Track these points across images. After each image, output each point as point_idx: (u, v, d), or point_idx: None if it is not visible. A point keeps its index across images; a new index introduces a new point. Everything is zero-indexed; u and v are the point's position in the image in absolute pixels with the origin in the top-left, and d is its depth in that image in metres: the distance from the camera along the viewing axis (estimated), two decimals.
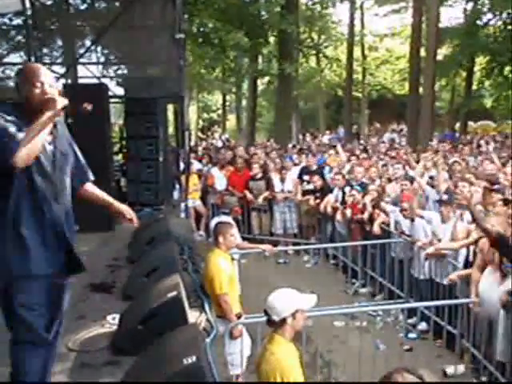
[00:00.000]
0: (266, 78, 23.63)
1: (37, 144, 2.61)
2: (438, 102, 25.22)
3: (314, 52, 25.51)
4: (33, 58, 9.01)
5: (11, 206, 2.71)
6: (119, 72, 12.25)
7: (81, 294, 4.90)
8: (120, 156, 11.03)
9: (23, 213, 2.74)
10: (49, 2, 10.49)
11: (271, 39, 19.53)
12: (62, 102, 2.68)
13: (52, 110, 2.64)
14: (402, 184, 7.91)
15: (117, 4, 10.91)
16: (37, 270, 2.77)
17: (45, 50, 10.79)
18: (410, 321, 6.39)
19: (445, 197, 6.58)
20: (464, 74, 23.58)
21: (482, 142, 16.59)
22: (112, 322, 4.14)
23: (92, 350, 3.74)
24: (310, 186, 9.75)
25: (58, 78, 9.45)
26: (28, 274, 2.75)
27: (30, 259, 2.75)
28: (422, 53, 18.10)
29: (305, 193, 9.80)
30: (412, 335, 6.13)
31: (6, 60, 12.20)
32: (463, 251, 5.98)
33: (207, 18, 16.27)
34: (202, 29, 17.34)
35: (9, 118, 2.66)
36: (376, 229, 7.56)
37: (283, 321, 2.86)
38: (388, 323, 6.62)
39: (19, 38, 11.70)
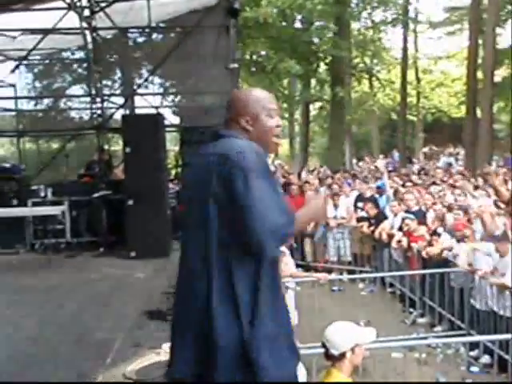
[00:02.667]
0: (318, 104, 23.68)
1: None
2: (496, 125, 24.48)
3: (366, 76, 25.40)
4: (93, 90, 9.36)
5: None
6: (175, 101, 12.59)
7: (137, 321, 4.96)
8: (175, 183, 11.24)
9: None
10: (109, 36, 10.93)
11: (323, 65, 19.62)
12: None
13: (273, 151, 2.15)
14: (454, 213, 7.70)
15: (172, 35, 11.25)
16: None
17: (105, 82, 11.22)
18: (472, 353, 6.13)
19: (497, 232, 6.34)
20: None
21: None
22: (167, 350, 4.15)
23: (148, 379, 3.75)
24: (365, 213, 9.62)
25: (116, 109, 9.82)
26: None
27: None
28: (479, 75, 17.72)
29: (359, 220, 9.67)
30: (474, 369, 5.88)
31: (68, 92, 12.79)
32: None
33: (260, 47, 16.52)
34: (255, 57, 17.61)
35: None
36: (436, 251, 7.32)
37: (342, 355, 2.78)
38: (448, 356, 6.37)
39: (80, 70, 12.26)
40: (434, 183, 11.67)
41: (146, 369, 3.90)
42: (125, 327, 4.77)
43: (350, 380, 2.82)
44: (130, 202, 7.67)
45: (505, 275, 6.00)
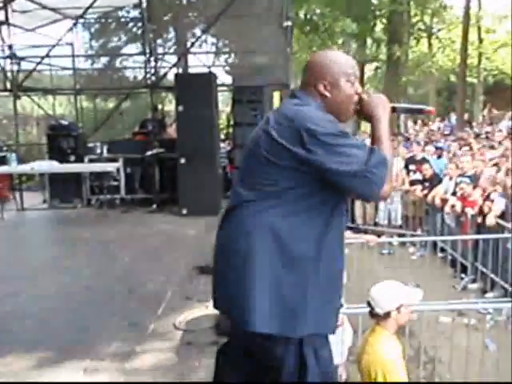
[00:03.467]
0: (374, 64, 23.04)
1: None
2: None
3: (425, 35, 24.44)
4: (147, 49, 9.43)
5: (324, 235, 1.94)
6: (227, 60, 12.53)
7: (188, 275, 5.10)
8: (226, 143, 11.31)
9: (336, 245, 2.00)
10: None
11: (380, 23, 19.02)
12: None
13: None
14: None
15: None
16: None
17: (159, 41, 11.28)
18: None
19: None
20: None
21: None
22: None
23: (197, 329, 3.88)
24: (417, 176, 9.42)
25: (170, 68, 9.88)
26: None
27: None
28: None
29: (411, 183, 9.48)
30: None
31: (123, 51, 12.94)
32: None
33: (314, 5, 16.13)
34: (308, 16, 17.22)
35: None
36: (491, 221, 7.12)
37: (387, 314, 2.78)
38: (499, 322, 6.26)
39: (135, 29, 12.35)
40: (492, 147, 11.27)
41: (195, 320, 4.03)
42: (175, 281, 4.92)
43: (394, 338, 2.83)
44: (183, 161, 7.79)
45: None
